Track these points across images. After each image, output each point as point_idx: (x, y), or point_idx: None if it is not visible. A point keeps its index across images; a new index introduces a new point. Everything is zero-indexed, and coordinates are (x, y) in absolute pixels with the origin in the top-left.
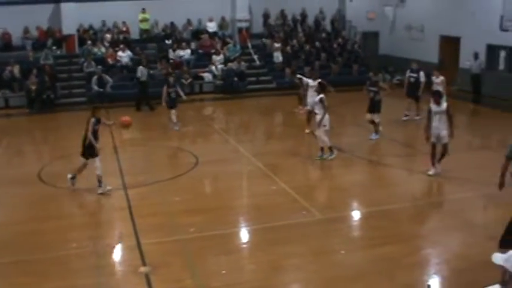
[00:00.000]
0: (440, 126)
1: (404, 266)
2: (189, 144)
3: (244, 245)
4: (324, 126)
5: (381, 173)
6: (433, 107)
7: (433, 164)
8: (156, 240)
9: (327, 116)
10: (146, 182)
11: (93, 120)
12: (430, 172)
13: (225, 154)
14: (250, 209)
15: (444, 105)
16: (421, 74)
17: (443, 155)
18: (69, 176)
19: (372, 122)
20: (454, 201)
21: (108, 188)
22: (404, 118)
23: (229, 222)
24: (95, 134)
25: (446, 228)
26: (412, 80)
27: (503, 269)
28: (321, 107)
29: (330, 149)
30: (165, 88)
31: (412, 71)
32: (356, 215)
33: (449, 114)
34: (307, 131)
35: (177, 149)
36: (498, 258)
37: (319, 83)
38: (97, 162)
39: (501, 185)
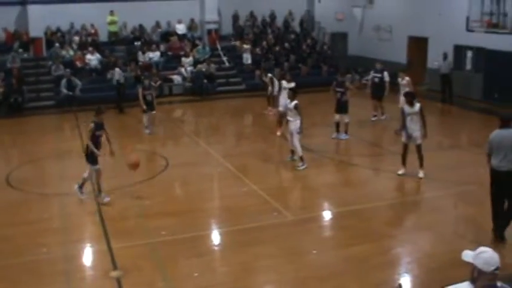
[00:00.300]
0: (412, 127)
1: (376, 265)
2: (159, 147)
3: (216, 247)
4: (298, 133)
5: (351, 173)
6: (406, 107)
7: (404, 164)
8: (127, 244)
9: (300, 122)
10: (116, 186)
11: (91, 125)
12: (400, 172)
13: (195, 156)
14: (221, 211)
15: (417, 106)
16: (385, 74)
17: (421, 158)
18: (103, 195)
19: (337, 123)
20: (424, 200)
21: (85, 196)
22: (373, 118)
23: (200, 225)
24: (96, 140)
25: (417, 227)
26: (376, 80)
27: (472, 266)
28: (296, 113)
29: (301, 158)
30: (140, 91)
31: (376, 72)
32: (327, 215)
33: (422, 114)
34: (278, 133)
35: (148, 152)
36: (468, 255)
37: (291, 89)
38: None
39: None
